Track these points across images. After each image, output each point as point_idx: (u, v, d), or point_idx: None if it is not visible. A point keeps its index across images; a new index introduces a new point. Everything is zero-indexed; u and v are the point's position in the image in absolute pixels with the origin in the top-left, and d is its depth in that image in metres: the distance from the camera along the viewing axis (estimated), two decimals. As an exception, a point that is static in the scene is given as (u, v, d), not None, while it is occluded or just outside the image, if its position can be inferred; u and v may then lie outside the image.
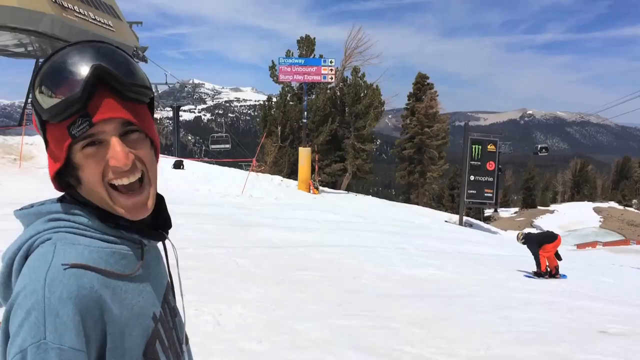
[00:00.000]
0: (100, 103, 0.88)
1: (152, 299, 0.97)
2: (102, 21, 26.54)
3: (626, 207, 79.25)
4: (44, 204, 0.96)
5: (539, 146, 38.28)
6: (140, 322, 0.92)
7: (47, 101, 0.88)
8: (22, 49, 24.60)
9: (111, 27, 27.50)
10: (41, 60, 27.03)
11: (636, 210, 79.33)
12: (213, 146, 36.13)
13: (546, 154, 38.18)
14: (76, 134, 0.88)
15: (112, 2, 29.25)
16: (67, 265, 0.83)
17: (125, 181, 0.92)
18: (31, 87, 0.91)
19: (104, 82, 0.88)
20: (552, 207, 79.91)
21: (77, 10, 24.23)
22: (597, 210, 72.12)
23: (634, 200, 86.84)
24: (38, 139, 18.96)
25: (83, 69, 0.87)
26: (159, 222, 1.04)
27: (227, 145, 36.24)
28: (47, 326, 0.78)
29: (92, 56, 0.89)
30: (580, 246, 41.18)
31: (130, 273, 0.93)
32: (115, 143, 0.90)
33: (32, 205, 0.97)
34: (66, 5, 23.31)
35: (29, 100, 0.86)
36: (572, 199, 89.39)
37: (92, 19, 25.46)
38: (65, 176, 0.94)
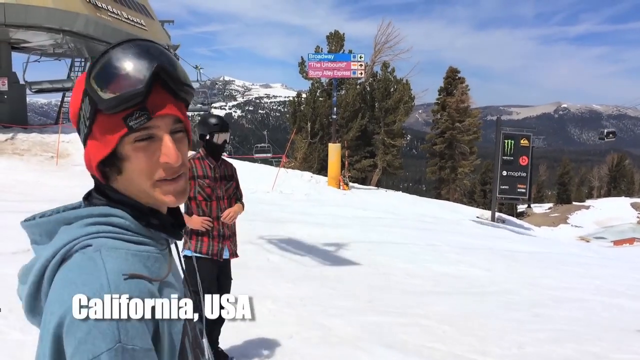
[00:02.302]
0: (157, 99, 0.93)
1: (180, 297, 0.97)
2: (135, 20, 26.99)
3: (665, 203, 76.93)
4: (66, 210, 0.96)
5: (606, 130, 34.00)
6: (177, 322, 0.92)
7: (105, 92, 0.91)
8: (57, 49, 25.19)
9: (144, 26, 27.95)
10: (77, 59, 27.69)
11: (676, 206, 76.90)
12: (257, 155, 36.87)
13: (614, 139, 34.39)
14: (133, 125, 0.91)
15: (144, 1, 29.71)
16: (127, 275, 0.84)
17: (170, 177, 0.97)
18: (88, 76, 0.93)
19: (161, 80, 0.93)
20: (588, 202, 78.05)
21: (111, 10, 24.70)
22: (634, 206, 70.15)
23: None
24: (74, 137, 19.41)
25: (146, 67, 0.91)
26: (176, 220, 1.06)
27: (269, 154, 37.13)
28: (120, 331, 0.78)
29: (152, 55, 0.93)
30: (617, 243, 40.05)
31: (165, 276, 0.93)
32: (168, 140, 0.95)
33: (43, 215, 0.96)
34: (100, 5, 23.78)
35: (82, 94, 0.81)
36: (608, 194, 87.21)
37: (125, 18, 25.91)
38: (105, 165, 0.96)
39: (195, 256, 3.87)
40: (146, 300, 0.83)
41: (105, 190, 0.97)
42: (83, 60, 26.74)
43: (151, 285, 0.87)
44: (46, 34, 22.19)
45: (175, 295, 0.93)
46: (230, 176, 4.17)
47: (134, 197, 0.97)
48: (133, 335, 0.79)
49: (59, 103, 29.78)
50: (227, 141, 4.11)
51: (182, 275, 1.10)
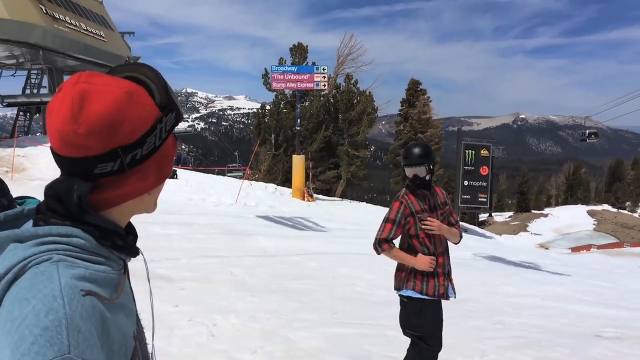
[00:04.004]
0: None
1: (132, 317, 0.95)
2: (94, 32, 26.57)
3: (619, 210, 79.68)
4: (19, 228, 0.90)
5: (588, 131, 31.87)
6: (128, 343, 0.89)
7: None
8: (13, 61, 24.55)
9: (103, 37, 27.52)
10: (33, 71, 27.04)
11: (629, 213, 79.72)
12: (229, 174, 36.92)
13: (596, 140, 32.46)
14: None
15: (103, 13, 29.30)
16: (85, 291, 0.80)
17: None
18: (168, 91, 0.93)
19: None
20: (546, 210, 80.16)
21: (69, 21, 24.26)
22: (590, 213, 72.41)
23: (627, 203, 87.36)
24: (29, 151, 18.90)
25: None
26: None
27: (241, 174, 37.44)
28: (70, 341, 0.73)
29: None
30: (574, 249, 41.29)
31: (117, 296, 0.90)
32: None
33: None
34: (57, 16, 23.34)
35: (162, 107, 0.77)
36: (565, 202, 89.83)
37: (84, 29, 25.48)
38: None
39: (422, 298, 3.53)
40: (99, 317, 0.80)
41: (76, 212, 0.88)
42: (40, 72, 26.12)
43: (104, 304, 0.84)
44: (1, 46, 21.61)
45: (125, 315, 0.91)
46: (444, 203, 3.75)
47: (118, 221, 0.94)
48: (84, 348, 0.75)
49: (15, 116, 28.98)
50: (419, 175, 3.63)
51: (133, 293, 1.07)
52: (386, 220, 3.57)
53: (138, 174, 0.92)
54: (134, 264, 1.03)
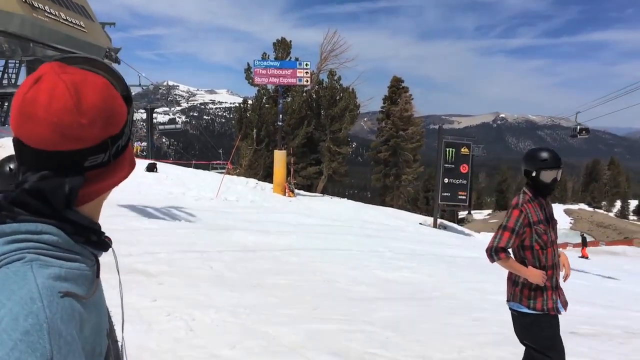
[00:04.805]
0: None
1: (104, 315, 0.93)
2: (74, 22, 26.13)
3: (595, 209, 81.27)
4: None
5: (579, 127, 30.68)
6: (102, 342, 0.88)
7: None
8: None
9: (83, 27, 27.09)
10: (11, 61, 26.51)
11: (605, 212, 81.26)
12: (212, 170, 36.77)
13: (587, 136, 31.46)
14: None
15: (83, 3, 28.83)
16: (62, 292, 0.77)
17: None
18: (125, 85, 0.93)
19: None
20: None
21: (48, 11, 23.83)
22: (567, 212, 73.69)
23: (603, 202, 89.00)
24: (6, 142, 18.53)
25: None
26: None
27: (224, 170, 37.57)
28: (53, 346, 0.71)
29: None
30: (551, 247, 41.83)
31: (92, 294, 0.88)
32: None
33: None
34: (36, 5, 22.91)
35: (125, 98, 0.76)
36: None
37: (64, 19, 25.05)
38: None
39: (531, 313, 3.43)
40: (78, 319, 0.78)
41: (60, 207, 0.85)
42: (17, 62, 25.64)
43: (81, 303, 0.81)
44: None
45: (99, 313, 0.89)
46: (552, 214, 3.60)
47: (91, 216, 0.92)
48: (66, 353, 0.73)
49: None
50: (558, 179, 3.53)
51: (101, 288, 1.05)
52: (504, 228, 3.41)
53: (119, 164, 0.92)
54: (103, 258, 1.00)
